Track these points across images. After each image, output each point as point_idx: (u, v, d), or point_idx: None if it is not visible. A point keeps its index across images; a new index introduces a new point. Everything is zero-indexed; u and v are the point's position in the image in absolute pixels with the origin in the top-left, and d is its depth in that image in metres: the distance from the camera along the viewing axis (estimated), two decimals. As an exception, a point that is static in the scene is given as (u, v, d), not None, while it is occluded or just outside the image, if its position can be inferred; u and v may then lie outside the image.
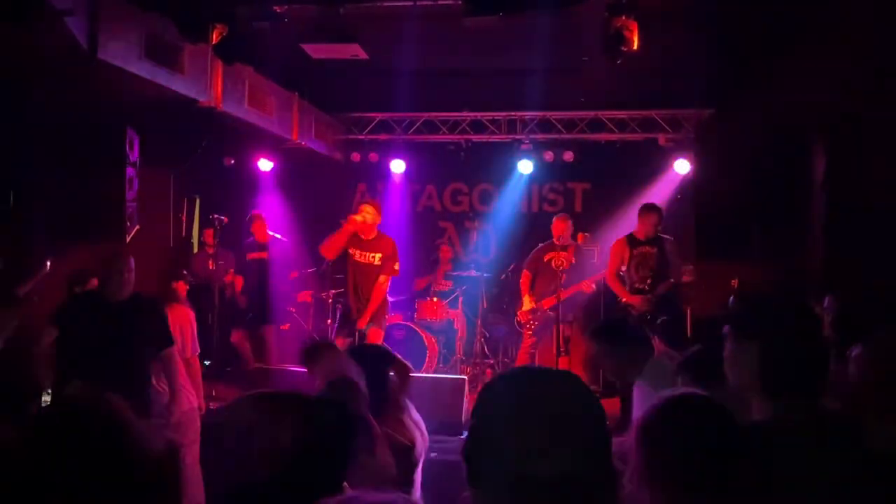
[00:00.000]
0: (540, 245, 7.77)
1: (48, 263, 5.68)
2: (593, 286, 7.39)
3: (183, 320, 5.32)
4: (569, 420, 1.19)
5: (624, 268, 6.89)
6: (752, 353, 1.88)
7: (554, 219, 7.66)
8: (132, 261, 4.61)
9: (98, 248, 6.15)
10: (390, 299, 8.86)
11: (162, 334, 4.73)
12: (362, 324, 6.71)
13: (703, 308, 6.92)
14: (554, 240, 7.38)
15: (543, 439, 1.16)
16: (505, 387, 1.26)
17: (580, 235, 8.43)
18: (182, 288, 5.67)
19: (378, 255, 6.66)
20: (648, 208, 6.85)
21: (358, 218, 6.55)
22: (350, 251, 6.70)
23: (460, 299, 8.74)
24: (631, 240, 6.85)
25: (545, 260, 7.59)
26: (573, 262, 7.27)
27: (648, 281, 6.67)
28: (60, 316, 4.55)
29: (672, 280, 6.62)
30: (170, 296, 5.51)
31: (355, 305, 6.81)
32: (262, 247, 8.39)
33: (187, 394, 5.18)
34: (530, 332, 7.64)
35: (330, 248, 6.70)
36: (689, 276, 6.51)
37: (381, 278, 6.72)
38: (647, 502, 1.61)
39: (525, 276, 7.76)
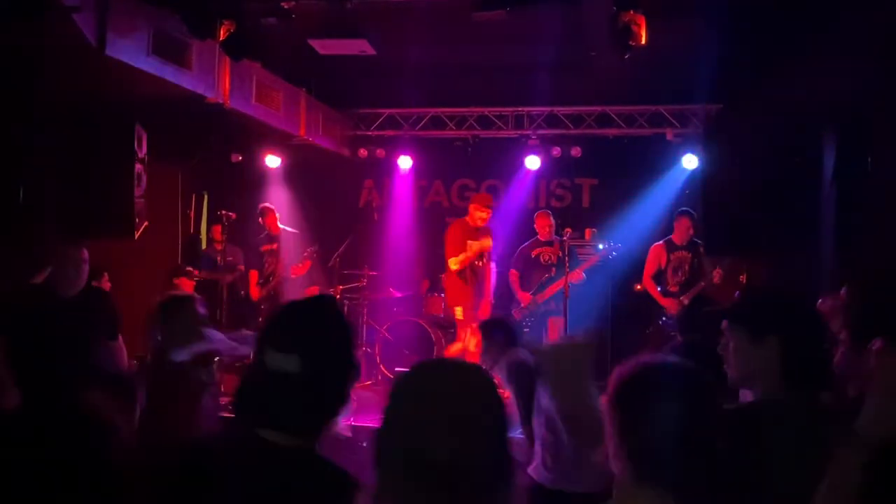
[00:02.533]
0: (525, 243, 7.83)
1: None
2: (582, 276, 7.46)
3: None
4: (465, 409, 1.29)
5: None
6: (772, 349, 1.89)
7: (536, 216, 7.78)
8: (86, 253, 4.66)
9: (107, 243, 6.18)
10: (397, 295, 8.92)
11: (111, 327, 4.78)
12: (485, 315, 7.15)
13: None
14: (539, 236, 7.62)
15: (439, 426, 1.26)
16: (411, 377, 1.38)
17: (587, 231, 8.42)
18: (185, 284, 5.60)
19: (489, 242, 7.27)
20: (680, 213, 7.24)
21: (486, 244, 7.36)
22: (468, 243, 7.27)
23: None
24: (668, 244, 7.19)
25: (533, 256, 7.71)
26: (560, 255, 7.33)
27: (681, 283, 7.04)
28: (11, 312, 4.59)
29: (703, 283, 6.93)
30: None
31: (475, 295, 7.35)
32: (274, 238, 8.36)
33: None
34: (527, 329, 7.66)
35: (459, 263, 7.33)
36: (718, 279, 6.82)
37: (491, 264, 7.47)
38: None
39: (514, 275, 7.81)
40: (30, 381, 2.09)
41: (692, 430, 1.44)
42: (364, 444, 5.10)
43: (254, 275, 8.31)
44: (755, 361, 1.95)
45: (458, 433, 1.26)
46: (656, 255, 7.21)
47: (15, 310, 4.43)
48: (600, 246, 7.85)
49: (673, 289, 7.08)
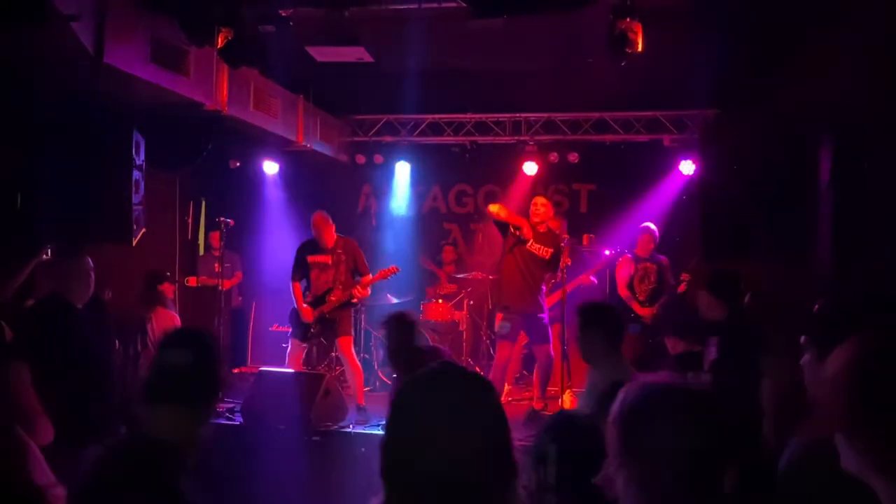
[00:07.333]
0: None
1: (48, 250, 5.73)
2: (593, 279, 7.50)
3: (168, 325, 5.28)
4: (470, 422, 1.28)
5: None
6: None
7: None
8: (90, 262, 4.68)
9: (104, 250, 6.18)
10: (395, 300, 8.92)
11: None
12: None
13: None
14: None
15: (443, 438, 1.25)
16: (416, 389, 1.36)
17: (585, 237, 8.42)
18: (168, 290, 5.63)
19: (550, 251, 6.78)
20: (643, 228, 7.61)
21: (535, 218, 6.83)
22: (525, 239, 6.76)
23: (465, 301, 8.74)
24: (635, 257, 7.51)
25: None
26: (569, 263, 7.33)
27: (648, 293, 7.41)
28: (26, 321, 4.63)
29: (667, 295, 7.32)
30: (155, 299, 5.46)
31: (520, 291, 6.78)
32: (327, 250, 6.98)
33: None
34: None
35: (501, 211, 6.89)
36: (682, 287, 7.16)
37: (547, 276, 7.03)
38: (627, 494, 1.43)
39: None
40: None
41: (701, 456, 1.36)
42: (363, 450, 5.09)
43: (296, 288, 6.95)
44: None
45: (461, 444, 1.25)
46: (625, 267, 7.48)
47: (44, 328, 4.44)
48: (607, 252, 7.91)
49: (641, 297, 7.40)
